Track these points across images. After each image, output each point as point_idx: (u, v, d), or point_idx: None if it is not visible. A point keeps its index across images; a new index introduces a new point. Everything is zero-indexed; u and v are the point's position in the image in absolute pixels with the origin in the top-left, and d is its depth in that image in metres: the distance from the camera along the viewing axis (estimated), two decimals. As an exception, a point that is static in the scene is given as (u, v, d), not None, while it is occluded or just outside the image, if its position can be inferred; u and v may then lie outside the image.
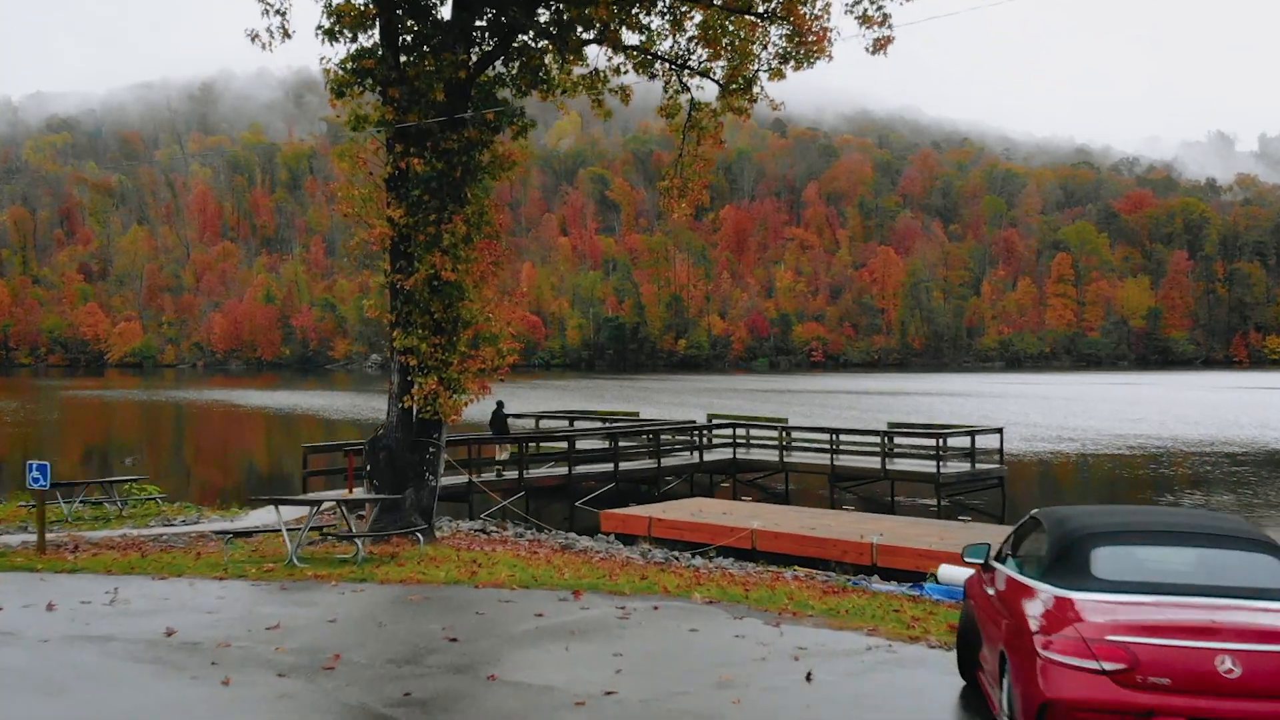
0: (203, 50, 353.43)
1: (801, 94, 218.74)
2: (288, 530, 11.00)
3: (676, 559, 15.18)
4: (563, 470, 24.42)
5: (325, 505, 12.38)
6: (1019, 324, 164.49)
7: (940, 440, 23.46)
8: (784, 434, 26.68)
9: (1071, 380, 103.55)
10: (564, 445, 25.20)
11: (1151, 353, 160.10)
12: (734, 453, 27.74)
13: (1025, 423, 48.24)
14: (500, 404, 25.83)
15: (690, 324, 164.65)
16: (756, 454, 28.03)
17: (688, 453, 27.48)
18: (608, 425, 30.06)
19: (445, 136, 14.15)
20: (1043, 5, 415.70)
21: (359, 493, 11.97)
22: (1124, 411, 58.05)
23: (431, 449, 14.50)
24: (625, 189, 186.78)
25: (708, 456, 27.48)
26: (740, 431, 28.29)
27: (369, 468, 14.44)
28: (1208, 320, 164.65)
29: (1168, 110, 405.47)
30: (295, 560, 10.76)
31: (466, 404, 14.40)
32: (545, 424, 32.63)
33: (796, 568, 15.96)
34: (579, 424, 33.09)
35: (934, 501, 24.71)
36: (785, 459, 26.71)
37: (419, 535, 12.14)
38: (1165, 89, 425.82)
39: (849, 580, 13.11)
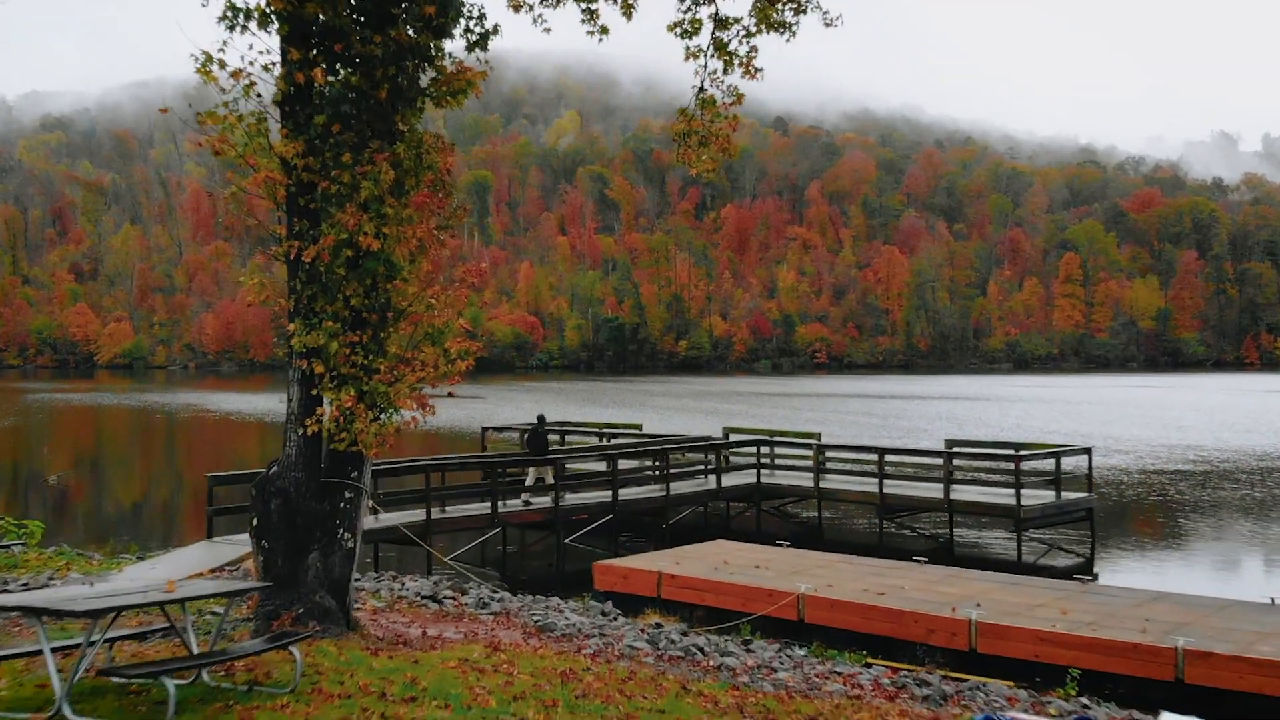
0: (199, 50, 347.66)
1: (803, 92, 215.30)
2: (54, 652, 6.49)
3: (701, 653, 10.65)
4: (547, 500, 19.79)
5: (138, 603, 7.37)
6: (1026, 325, 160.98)
7: (1018, 463, 18.83)
8: (819, 453, 22.04)
9: (1084, 383, 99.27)
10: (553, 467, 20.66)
11: (1161, 354, 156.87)
12: (758, 475, 23.03)
13: (1063, 431, 43.85)
14: (540, 418, 21.60)
15: (691, 325, 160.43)
16: (784, 477, 23.26)
17: (702, 475, 22.87)
18: (606, 442, 25.45)
19: (367, 38, 9.65)
20: (1044, 4, 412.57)
21: (190, 587, 7.17)
22: (1162, 417, 53.80)
23: (348, 494, 10.01)
24: (625, 188, 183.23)
25: (726, 480, 22.82)
26: (764, 449, 23.55)
27: (255, 521, 9.93)
28: (1218, 321, 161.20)
29: (1170, 110, 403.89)
30: (66, 710, 6.28)
31: (398, 428, 9.88)
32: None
33: (867, 656, 11.51)
34: (572, 438, 28.55)
35: (1006, 538, 20.23)
36: (820, 484, 22.05)
37: (293, 652, 7.43)
38: (1167, 89, 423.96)
39: (973, 715, 8.58)
